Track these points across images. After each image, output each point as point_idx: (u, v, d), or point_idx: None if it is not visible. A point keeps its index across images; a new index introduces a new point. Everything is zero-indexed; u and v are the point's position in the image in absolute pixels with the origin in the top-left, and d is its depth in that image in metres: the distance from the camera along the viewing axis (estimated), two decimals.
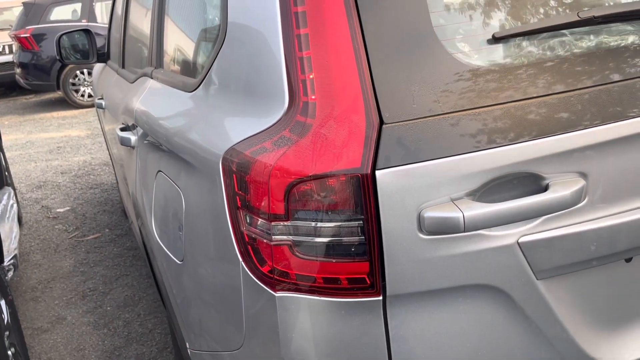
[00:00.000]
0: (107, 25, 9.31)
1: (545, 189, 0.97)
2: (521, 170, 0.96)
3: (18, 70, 8.95)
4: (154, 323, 2.99)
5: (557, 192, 0.96)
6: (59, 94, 9.32)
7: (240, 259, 1.07)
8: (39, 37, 8.66)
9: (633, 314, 1.13)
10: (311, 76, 0.98)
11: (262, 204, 0.99)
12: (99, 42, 3.40)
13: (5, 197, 3.42)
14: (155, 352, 2.75)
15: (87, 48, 3.28)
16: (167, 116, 1.47)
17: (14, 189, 4.16)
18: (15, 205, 3.55)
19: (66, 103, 9.05)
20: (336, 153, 0.94)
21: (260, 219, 1.01)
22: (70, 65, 8.58)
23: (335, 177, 0.93)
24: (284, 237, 0.98)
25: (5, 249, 2.79)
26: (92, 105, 8.85)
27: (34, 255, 3.96)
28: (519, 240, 0.98)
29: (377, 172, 0.92)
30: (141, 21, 2.21)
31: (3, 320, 2.05)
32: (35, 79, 8.74)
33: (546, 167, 0.97)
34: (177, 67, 1.56)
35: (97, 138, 7.04)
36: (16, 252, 2.99)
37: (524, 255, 0.98)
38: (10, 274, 2.87)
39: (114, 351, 2.79)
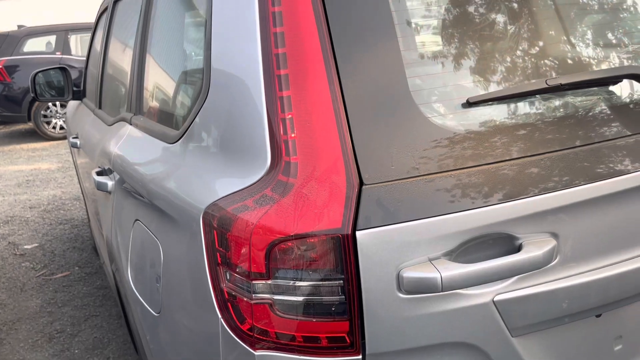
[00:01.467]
0: (82, 58, 9.27)
1: (518, 249, 1.00)
2: (496, 231, 0.99)
3: None
4: None
5: (530, 253, 0.99)
6: (29, 125, 9.18)
7: (220, 316, 1.06)
8: (11, 68, 8.57)
9: None
10: (293, 137, 1.01)
11: (243, 261, 1.00)
12: (74, 74, 3.40)
13: None
14: None
15: (63, 85, 3.26)
16: (147, 166, 1.47)
17: None
18: None
19: (37, 135, 8.91)
20: (317, 213, 0.95)
21: (240, 277, 1.02)
22: None
23: (317, 237, 0.95)
24: (265, 296, 0.99)
25: None
26: (63, 138, 8.73)
27: None
28: (494, 299, 1.00)
29: (358, 233, 0.94)
30: (121, 62, 2.22)
31: None
32: (5, 110, 8.61)
33: (519, 228, 1.00)
34: (158, 116, 1.57)
35: (68, 171, 6.93)
36: None
37: (499, 313, 1.01)
38: None
39: None
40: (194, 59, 1.38)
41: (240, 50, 1.11)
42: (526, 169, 1.03)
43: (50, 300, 3.69)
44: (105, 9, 2.72)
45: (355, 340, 0.97)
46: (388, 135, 1.00)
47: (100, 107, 2.56)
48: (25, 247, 4.62)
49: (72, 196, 5.91)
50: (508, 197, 1.00)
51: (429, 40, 1.10)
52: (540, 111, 1.09)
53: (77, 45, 9.33)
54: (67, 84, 3.26)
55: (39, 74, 3.24)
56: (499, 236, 1.00)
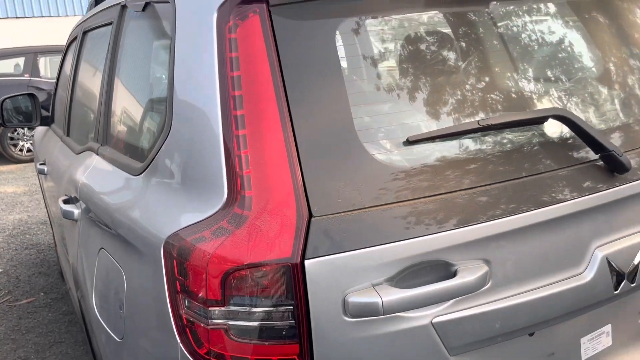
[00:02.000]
0: (51, 80, 9.18)
1: (454, 274, 1.10)
2: (433, 258, 1.09)
3: None
4: None
5: (463, 278, 1.09)
6: None
7: (179, 340, 1.13)
8: None
9: None
10: (248, 172, 1.09)
11: (200, 289, 1.07)
12: (43, 96, 3.42)
13: None
14: None
15: (31, 111, 3.29)
16: (112, 197, 1.53)
17: None
18: None
19: (3, 157, 8.77)
20: (269, 243, 1.04)
21: (198, 303, 1.08)
22: None
23: (268, 266, 1.03)
24: (220, 321, 1.06)
25: None
26: (30, 160, 8.62)
27: None
28: (433, 321, 1.09)
29: (306, 262, 1.02)
30: (89, 93, 2.28)
31: None
32: None
33: (454, 256, 1.10)
34: (123, 148, 1.64)
35: (35, 195, 6.84)
36: None
37: (438, 334, 1.10)
38: None
39: None
40: (158, 96, 1.46)
41: (200, 91, 1.19)
42: (460, 201, 1.13)
43: (14, 327, 3.64)
44: (75, 38, 2.78)
45: None
46: (335, 171, 1.10)
47: (68, 135, 2.60)
48: None
49: (38, 220, 5.84)
50: (444, 227, 1.09)
51: (373, 85, 1.21)
52: (474, 148, 1.20)
53: (46, 68, 9.28)
54: (35, 110, 3.28)
55: (7, 100, 3.26)
56: (436, 263, 1.10)
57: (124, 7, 1.82)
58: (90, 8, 2.76)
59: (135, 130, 1.61)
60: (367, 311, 1.04)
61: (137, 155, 1.49)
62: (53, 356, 3.27)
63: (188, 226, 1.13)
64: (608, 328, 1.36)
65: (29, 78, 8.83)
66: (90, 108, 2.17)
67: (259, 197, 1.08)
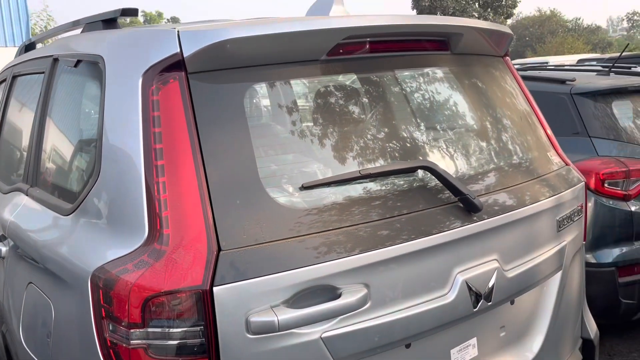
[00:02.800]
0: None
1: (338, 296, 1.34)
2: (321, 283, 1.32)
3: None
4: None
5: (346, 299, 1.33)
6: None
7: None
8: None
9: None
10: (166, 213, 1.29)
11: (123, 314, 1.25)
12: None
13: None
14: None
15: None
16: (42, 235, 1.67)
17: None
18: None
19: None
20: (183, 273, 1.23)
21: (120, 327, 1.26)
22: None
23: (182, 292, 1.22)
24: (140, 342, 1.24)
25: None
26: None
27: None
28: (322, 336, 1.32)
29: (215, 288, 1.23)
30: (18, 135, 2.39)
31: None
32: None
33: (339, 280, 1.34)
34: (53, 190, 1.78)
35: None
36: None
37: (326, 347, 1.33)
38: None
39: None
40: (87, 144, 1.63)
41: (126, 143, 1.39)
42: (344, 235, 1.38)
43: None
44: (4, 80, 2.87)
45: None
46: (242, 212, 1.32)
47: None
48: None
49: None
50: (330, 257, 1.33)
51: (275, 138, 1.46)
52: (358, 191, 1.46)
53: None
54: None
55: None
56: (324, 287, 1.33)
57: (56, 60, 1.98)
58: (19, 53, 2.87)
59: (64, 174, 1.77)
60: (266, 328, 1.25)
61: (66, 197, 1.65)
62: None
63: (113, 260, 1.31)
64: (474, 341, 1.64)
65: None
66: (19, 150, 2.28)
67: (175, 234, 1.28)
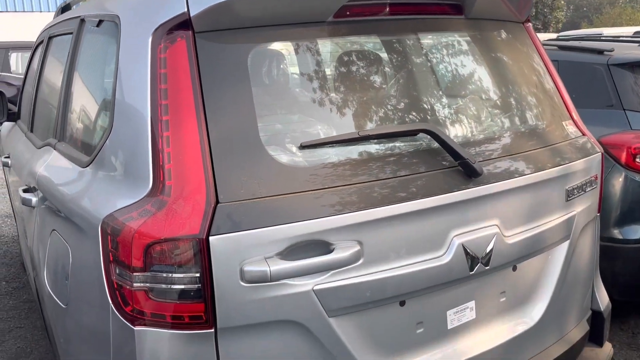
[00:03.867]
0: (21, 76, 9.20)
1: (331, 251, 1.39)
2: (314, 238, 1.38)
3: None
4: None
5: (339, 254, 1.38)
6: None
7: (110, 302, 1.39)
8: None
9: (406, 345, 1.55)
10: (170, 166, 1.37)
11: (127, 258, 1.34)
12: (12, 92, 3.60)
13: None
14: None
15: None
16: (63, 185, 1.79)
17: None
18: None
19: None
20: (182, 223, 1.31)
21: (125, 270, 1.35)
22: None
23: (181, 240, 1.30)
24: (142, 285, 1.33)
25: None
26: None
27: None
28: (314, 288, 1.38)
29: (211, 238, 1.30)
30: (50, 93, 2.52)
31: None
32: None
33: (332, 236, 1.39)
34: (75, 144, 1.90)
35: (1, 189, 6.95)
36: None
37: (318, 299, 1.38)
38: None
39: None
40: (105, 100, 1.72)
41: (136, 98, 1.46)
42: (341, 193, 1.42)
43: None
44: (42, 41, 3.01)
45: (209, 317, 1.32)
46: (241, 167, 1.37)
47: (32, 131, 2.82)
48: None
49: (3, 213, 5.97)
50: (324, 213, 1.38)
51: (276, 98, 1.50)
52: (357, 152, 1.49)
53: (17, 63, 9.36)
54: (2, 106, 3.48)
55: None
56: (317, 242, 1.38)
57: (82, 20, 2.07)
58: (57, 14, 2.99)
59: (85, 129, 1.87)
60: (258, 278, 1.32)
61: (85, 150, 1.75)
62: (12, 339, 3.46)
63: (121, 209, 1.40)
64: (472, 304, 1.67)
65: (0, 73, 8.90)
66: (52, 107, 2.41)
67: (177, 185, 1.35)
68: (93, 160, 1.63)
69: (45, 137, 2.42)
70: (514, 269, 1.74)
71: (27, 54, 9.16)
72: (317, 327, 1.40)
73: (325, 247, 1.39)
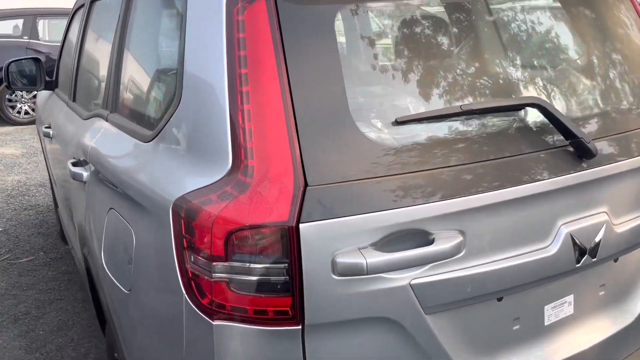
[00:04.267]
0: (49, 43, 9.12)
1: (431, 242, 1.23)
2: (413, 227, 1.22)
3: None
4: (88, 347, 3.05)
5: (440, 246, 1.23)
6: None
7: (184, 292, 1.26)
8: None
9: (502, 343, 1.41)
10: (251, 144, 1.21)
11: (206, 246, 1.20)
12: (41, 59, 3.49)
13: None
14: None
15: (35, 75, 3.37)
16: (122, 161, 1.65)
17: None
18: None
19: (0, 119, 8.82)
20: (268, 208, 1.16)
21: (203, 259, 1.22)
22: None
23: (267, 228, 1.16)
24: (222, 275, 1.19)
25: None
26: (28, 123, 8.67)
27: None
28: (411, 282, 1.23)
29: (301, 225, 1.15)
30: (97, 61, 2.38)
31: None
32: None
33: (432, 226, 1.24)
34: (133, 116, 1.75)
35: (33, 157, 6.93)
36: None
37: (415, 294, 1.24)
38: None
39: None
40: (167, 69, 1.56)
41: (209, 68, 1.30)
42: (441, 177, 1.26)
43: (15, 283, 3.78)
44: (82, 6, 2.85)
45: (297, 313, 1.19)
46: (330, 146, 1.22)
47: (74, 100, 2.70)
48: None
49: (36, 182, 5.95)
50: (425, 200, 1.22)
51: (367, 67, 1.32)
52: (458, 129, 1.32)
53: (45, 31, 9.24)
54: (40, 74, 3.36)
55: (13, 64, 3.34)
56: (416, 231, 1.23)
57: None
58: None
59: (144, 100, 1.72)
60: (353, 270, 1.17)
61: (146, 123, 1.61)
62: (53, 312, 3.42)
63: (195, 190, 1.26)
64: (570, 298, 1.51)
65: (28, 40, 8.81)
66: (99, 76, 2.27)
67: (261, 166, 1.20)
68: (157, 135, 1.49)
69: (92, 107, 2.29)
70: (615, 260, 1.57)
71: (56, 21, 9.06)
72: (412, 325, 1.26)
73: (424, 238, 1.24)
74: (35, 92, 8.34)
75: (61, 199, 3.14)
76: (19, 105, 8.65)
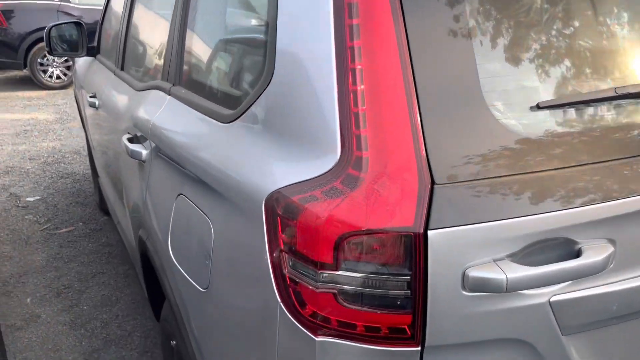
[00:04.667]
0: (80, 6, 8.93)
1: (577, 254, 1.04)
2: (558, 236, 1.03)
3: None
4: (133, 325, 2.96)
5: (589, 258, 1.03)
6: (25, 72, 8.99)
7: (279, 300, 1.09)
8: (8, 13, 8.32)
9: None
10: (365, 132, 1.02)
11: (310, 251, 1.03)
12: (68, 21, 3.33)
13: None
14: (136, 356, 2.73)
15: (77, 40, 3.20)
16: (196, 143, 1.47)
17: None
18: None
19: (32, 83, 8.74)
20: (390, 210, 0.98)
21: (305, 264, 1.04)
22: (39, 45, 8.28)
23: (388, 234, 0.97)
24: (330, 285, 1.02)
25: None
26: (60, 88, 8.57)
27: (4, 247, 3.84)
28: (550, 300, 1.04)
29: (429, 232, 0.96)
30: (154, 25, 2.18)
31: None
32: (1, 56, 8.40)
33: (580, 234, 1.04)
34: (205, 92, 1.56)
35: (67, 124, 6.84)
36: None
37: (553, 313, 1.05)
38: None
39: (92, 353, 2.76)
40: (252, 40, 1.36)
41: (310, 39, 1.10)
42: (589, 176, 1.06)
43: (56, 255, 3.71)
44: None
45: (416, 332, 1.01)
46: (459, 135, 1.02)
47: (122, 69, 2.52)
48: (28, 199, 4.61)
49: (71, 150, 5.86)
50: (572, 204, 1.02)
51: (503, 40, 1.11)
52: (610, 118, 1.11)
53: None
54: (82, 39, 3.19)
55: (53, 28, 3.17)
56: (561, 241, 1.03)
57: None
58: None
59: (219, 74, 1.52)
60: (489, 287, 0.99)
61: (225, 102, 1.42)
62: (96, 286, 3.34)
63: (294, 184, 1.08)
64: None
65: (59, 3, 8.63)
66: (155, 44, 2.08)
67: (377, 158, 1.01)
68: (240, 115, 1.30)
69: (147, 78, 2.11)
70: None
71: None
72: (546, 347, 1.08)
73: (569, 248, 1.04)
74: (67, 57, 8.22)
75: (104, 171, 3.00)
76: (50, 70, 8.53)
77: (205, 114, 1.46)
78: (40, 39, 8.10)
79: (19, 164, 5.46)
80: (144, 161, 1.81)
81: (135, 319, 3.03)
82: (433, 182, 0.99)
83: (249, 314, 1.20)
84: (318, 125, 1.08)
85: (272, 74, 1.19)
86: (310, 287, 1.04)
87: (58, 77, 8.58)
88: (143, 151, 1.79)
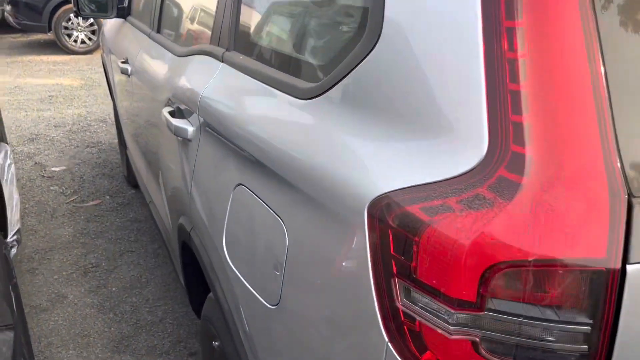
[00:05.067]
0: None
1: None
2: None
3: (8, 8, 8.34)
4: (164, 311, 2.75)
5: None
6: (49, 36, 8.75)
7: (386, 338, 0.82)
8: None
9: None
10: (526, 118, 0.72)
11: (438, 279, 0.74)
12: None
13: (1, 156, 3.01)
14: (168, 346, 2.52)
15: (106, 0, 2.91)
16: (264, 124, 1.18)
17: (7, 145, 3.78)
18: (12, 166, 3.14)
19: (56, 47, 8.50)
20: (569, 233, 0.68)
21: (430, 298, 0.76)
22: (63, 8, 8.00)
23: (567, 267, 0.68)
24: (470, 330, 0.74)
25: (7, 220, 2.49)
26: (85, 52, 8.32)
27: (29, 219, 3.64)
28: None
29: (628, 267, 0.67)
30: None
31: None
32: (25, 19, 8.16)
33: None
34: (273, 60, 1.26)
35: (92, 90, 6.61)
36: (19, 225, 2.67)
37: None
38: (13, 250, 2.57)
39: (121, 340, 2.55)
40: None
41: None
42: None
43: (83, 230, 3.50)
44: None
45: None
46: None
47: (159, 32, 2.23)
48: (53, 169, 4.40)
49: (97, 117, 5.63)
50: None
51: None
52: None
53: None
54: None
55: None
56: None
57: None
58: None
59: (294, 37, 1.22)
60: None
61: (303, 72, 1.12)
62: (125, 265, 3.13)
63: (412, 187, 0.79)
64: None
65: None
66: (201, 2, 1.78)
67: (546, 157, 0.71)
68: (326, 90, 1.00)
69: (191, 42, 1.81)
70: None
71: None
72: None
73: None
74: (93, 21, 7.94)
75: (135, 143, 2.75)
76: (75, 34, 8.27)
77: (273, 87, 1.17)
78: (65, 1, 7.82)
79: (44, 131, 5.26)
80: (189, 139, 1.53)
81: (166, 303, 2.82)
82: (631, 196, 0.69)
83: (339, 347, 0.93)
84: (451, 104, 0.78)
85: (378, 37, 0.89)
86: (438, 330, 0.76)
87: (83, 42, 8.32)
88: (189, 127, 1.51)
